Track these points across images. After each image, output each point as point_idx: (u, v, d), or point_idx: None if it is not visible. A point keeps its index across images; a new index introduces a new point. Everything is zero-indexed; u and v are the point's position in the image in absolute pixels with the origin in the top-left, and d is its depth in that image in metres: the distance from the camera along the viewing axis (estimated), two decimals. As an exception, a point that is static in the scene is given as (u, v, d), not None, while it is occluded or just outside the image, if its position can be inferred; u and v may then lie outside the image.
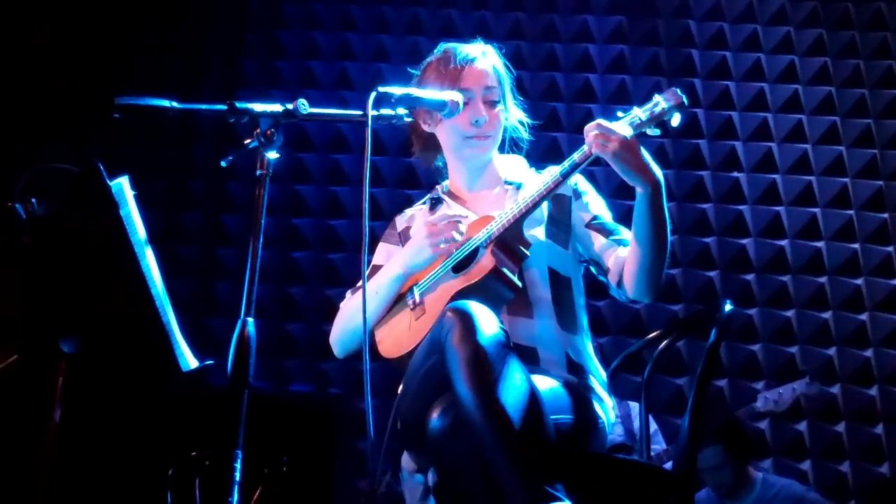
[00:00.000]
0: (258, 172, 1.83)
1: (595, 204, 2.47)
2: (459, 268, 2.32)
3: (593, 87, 5.03)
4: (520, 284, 2.25)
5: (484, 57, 2.47)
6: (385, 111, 2.05)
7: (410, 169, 4.65)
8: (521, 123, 2.55)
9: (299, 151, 4.89)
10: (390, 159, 4.83)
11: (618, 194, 4.29)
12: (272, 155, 1.85)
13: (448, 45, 2.48)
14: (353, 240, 4.75)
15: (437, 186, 2.61)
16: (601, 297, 4.39)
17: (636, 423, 3.84)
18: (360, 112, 2.01)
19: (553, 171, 2.26)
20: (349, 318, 2.44)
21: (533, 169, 2.57)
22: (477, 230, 2.32)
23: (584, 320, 2.41)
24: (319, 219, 4.80)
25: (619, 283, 2.33)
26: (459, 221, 2.28)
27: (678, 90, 2.13)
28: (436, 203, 2.57)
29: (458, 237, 2.26)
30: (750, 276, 4.78)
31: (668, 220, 2.20)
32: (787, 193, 4.90)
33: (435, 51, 2.51)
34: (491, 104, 2.44)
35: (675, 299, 4.73)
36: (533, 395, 1.92)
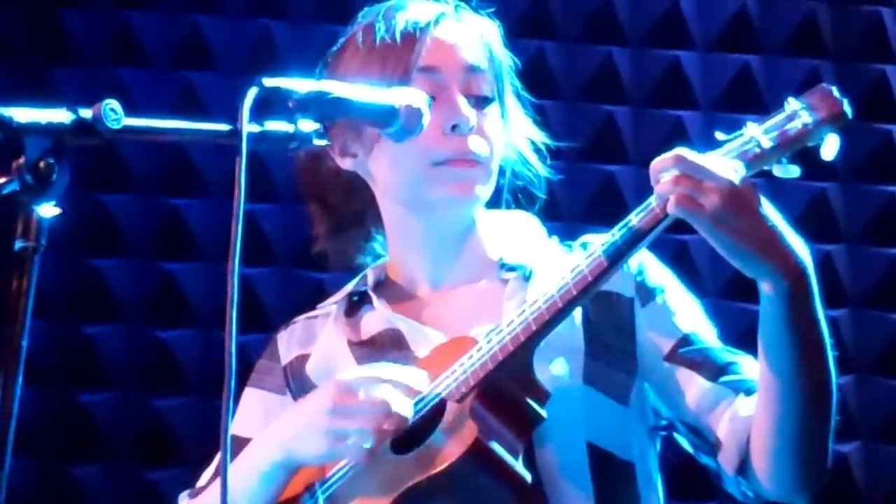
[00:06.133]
0: (19, 244, 1.76)
1: (684, 311, 2.41)
2: (409, 443, 2.25)
3: (686, 76, 4.95)
4: (528, 478, 2.18)
5: (458, 17, 2.47)
6: (275, 125, 1.99)
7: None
8: (535, 150, 2.54)
9: (105, 192, 4.80)
10: (282, 210, 4.67)
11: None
12: (48, 210, 1.78)
13: (390, 2, 2.51)
14: (204, 371, 4.72)
15: (369, 271, 2.55)
16: (702, 496, 4.25)
17: None
18: (226, 126, 1.94)
19: (593, 247, 2.20)
20: None
21: (555, 239, 2.53)
22: (444, 367, 2.26)
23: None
24: (139, 326, 4.77)
25: (743, 468, 2.24)
26: (402, 389, 2.22)
27: (834, 89, 2.06)
28: (357, 304, 2.52)
29: (374, 441, 2.21)
30: None
31: (828, 343, 2.13)
32: None
33: (360, 15, 2.51)
34: (478, 102, 2.41)
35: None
36: None
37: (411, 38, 2.39)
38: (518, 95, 2.54)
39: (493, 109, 2.44)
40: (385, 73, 2.35)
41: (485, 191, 2.43)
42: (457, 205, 2.42)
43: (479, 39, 2.46)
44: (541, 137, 2.55)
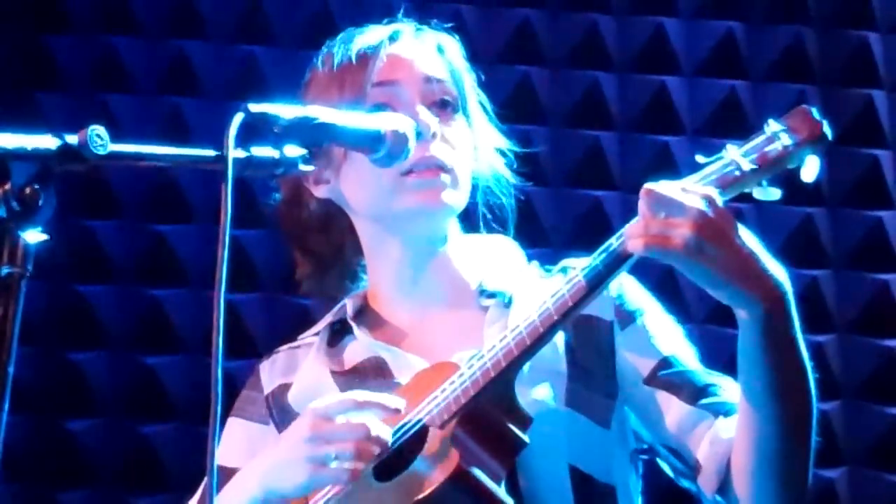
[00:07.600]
0: (5, 270, 1.75)
1: (663, 333, 2.40)
2: (391, 470, 2.22)
3: (673, 102, 4.95)
4: None
5: (415, 34, 2.49)
6: (260, 151, 1.98)
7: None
8: (504, 161, 2.52)
9: (92, 218, 4.77)
10: (268, 236, 4.61)
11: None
12: (34, 236, 1.76)
13: (349, 29, 2.53)
14: (190, 397, 4.70)
15: (348, 300, 2.53)
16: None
17: None
18: (212, 152, 1.92)
19: (574, 271, 2.19)
20: None
21: (535, 264, 2.51)
22: (425, 393, 2.25)
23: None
24: (125, 353, 4.78)
25: (724, 489, 2.23)
26: (382, 410, 2.19)
27: (814, 111, 2.05)
28: (339, 334, 2.50)
29: (356, 464, 2.16)
30: None
31: (808, 367, 2.11)
32: None
33: (325, 45, 2.51)
34: (441, 111, 2.42)
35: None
36: None
37: (366, 56, 2.40)
38: (483, 107, 2.53)
39: (457, 119, 2.44)
40: (343, 94, 2.36)
41: (455, 199, 2.42)
42: (427, 215, 2.41)
43: (437, 52, 2.47)
44: (509, 146, 2.54)
